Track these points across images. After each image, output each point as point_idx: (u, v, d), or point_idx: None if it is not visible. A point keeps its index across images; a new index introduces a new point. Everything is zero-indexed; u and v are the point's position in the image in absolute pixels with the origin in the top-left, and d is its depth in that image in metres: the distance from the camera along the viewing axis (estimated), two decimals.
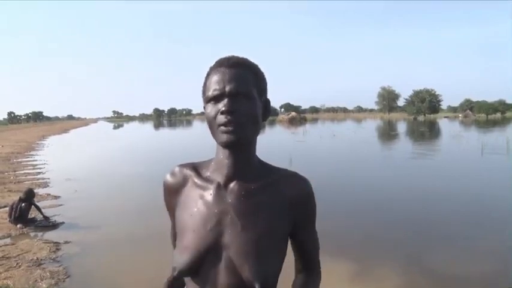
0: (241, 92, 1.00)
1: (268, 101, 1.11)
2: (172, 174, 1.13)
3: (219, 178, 1.06)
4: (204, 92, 1.07)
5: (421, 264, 5.40)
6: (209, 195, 1.05)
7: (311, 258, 1.19)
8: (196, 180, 1.09)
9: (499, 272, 5.09)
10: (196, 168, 1.12)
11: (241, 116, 0.99)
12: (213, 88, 1.01)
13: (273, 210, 1.05)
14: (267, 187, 1.07)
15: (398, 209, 8.45)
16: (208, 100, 1.03)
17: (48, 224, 7.19)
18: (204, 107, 1.07)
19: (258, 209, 1.04)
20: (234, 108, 0.98)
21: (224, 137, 0.99)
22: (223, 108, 0.99)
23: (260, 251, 1.00)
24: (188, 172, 1.11)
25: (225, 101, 0.99)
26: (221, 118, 0.99)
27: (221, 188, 1.05)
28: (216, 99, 1.01)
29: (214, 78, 1.02)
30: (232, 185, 1.05)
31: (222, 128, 0.99)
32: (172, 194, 1.12)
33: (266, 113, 1.10)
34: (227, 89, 1.00)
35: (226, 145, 1.02)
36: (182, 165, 1.14)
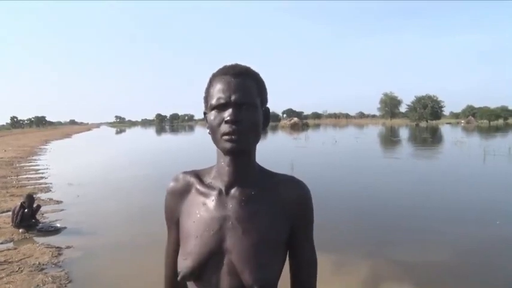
0: (246, 102, 1.02)
1: (268, 110, 1.13)
2: (176, 180, 1.14)
3: (221, 184, 1.09)
4: (206, 98, 1.09)
5: (390, 255, 5.99)
6: (211, 201, 1.07)
7: (305, 277, 1.14)
8: (199, 187, 1.11)
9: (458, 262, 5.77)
10: (198, 175, 1.14)
11: (245, 126, 1.01)
12: (218, 96, 1.03)
13: (272, 216, 1.07)
14: (266, 192, 1.09)
15: (381, 210, 8.97)
16: (212, 108, 1.05)
17: (50, 229, 7.21)
18: (206, 114, 1.09)
19: (258, 214, 1.06)
20: (239, 118, 1.01)
21: (227, 145, 1.01)
22: (228, 118, 1.00)
23: (260, 256, 1.02)
24: (191, 179, 1.13)
25: (230, 110, 1.01)
26: (225, 127, 1.01)
27: (222, 194, 1.07)
28: (220, 107, 1.03)
29: (219, 86, 1.04)
30: (233, 191, 1.07)
31: (226, 137, 1.01)
32: (176, 200, 1.13)
33: (266, 121, 1.12)
34: (232, 98, 1.01)
35: (228, 153, 1.04)
36: (185, 173, 1.15)
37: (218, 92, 1.03)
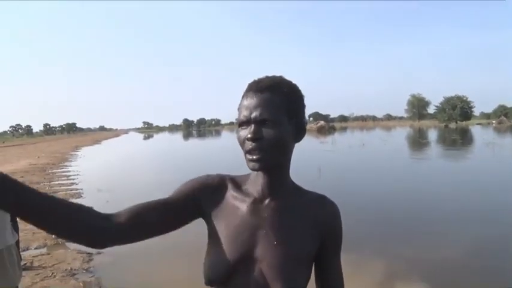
0: (267, 118, 1.01)
1: (301, 122, 1.09)
2: (212, 178, 1.15)
3: (255, 193, 1.09)
4: (238, 114, 1.09)
5: (407, 255, 6.07)
6: (245, 207, 1.08)
7: None
8: (234, 192, 1.12)
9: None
10: (234, 180, 1.14)
11: (266, 143, 1.01)
12: (242, 114, 1.04)
13: (304, 231, 1.08)
14: (298, 208, 1.10)
15: (405, 211, 9.02)
16: (239, 124, 1.06)
17: None
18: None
19: (291, 227, 1.07)
20: (259, 135, 1.00)
21: (250, 164, 1.03)
22: (248, 135, 1.01)
23: (290, 267, 1.02)
24: (226, 182, 1.14)
25: (251, 127, 1.02)
26: (247, 145, 1.02)
27: (257, 202, 1.08)
28: (244, 124, 1.04)
29: (244, 103, 1.04)
30: (267, 200, 1.08)
31: (248, 155, 1.02)
32: (205, 193, 1.12)
33: (299, 134, 1.09)
34: (253, 115, 1.01)
35: (252, 170, 1.05)
36: (221, 175, 1.16)
37: (243, 109, 1.04)
